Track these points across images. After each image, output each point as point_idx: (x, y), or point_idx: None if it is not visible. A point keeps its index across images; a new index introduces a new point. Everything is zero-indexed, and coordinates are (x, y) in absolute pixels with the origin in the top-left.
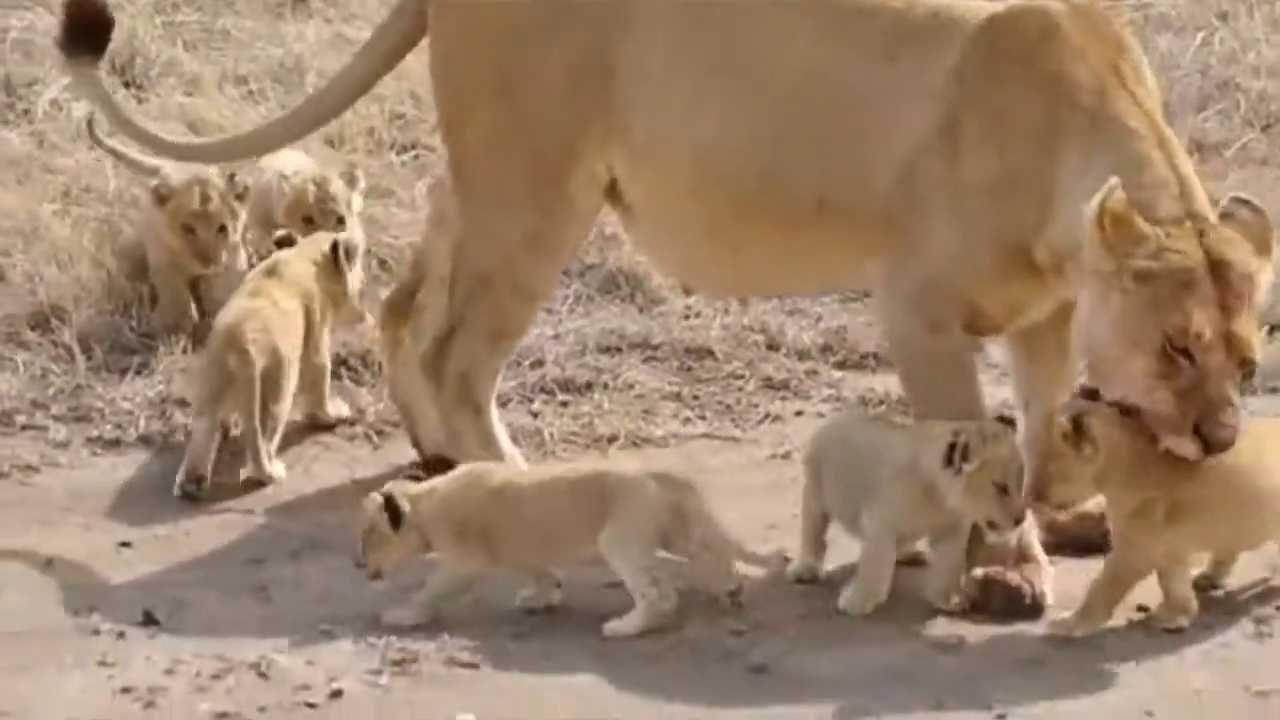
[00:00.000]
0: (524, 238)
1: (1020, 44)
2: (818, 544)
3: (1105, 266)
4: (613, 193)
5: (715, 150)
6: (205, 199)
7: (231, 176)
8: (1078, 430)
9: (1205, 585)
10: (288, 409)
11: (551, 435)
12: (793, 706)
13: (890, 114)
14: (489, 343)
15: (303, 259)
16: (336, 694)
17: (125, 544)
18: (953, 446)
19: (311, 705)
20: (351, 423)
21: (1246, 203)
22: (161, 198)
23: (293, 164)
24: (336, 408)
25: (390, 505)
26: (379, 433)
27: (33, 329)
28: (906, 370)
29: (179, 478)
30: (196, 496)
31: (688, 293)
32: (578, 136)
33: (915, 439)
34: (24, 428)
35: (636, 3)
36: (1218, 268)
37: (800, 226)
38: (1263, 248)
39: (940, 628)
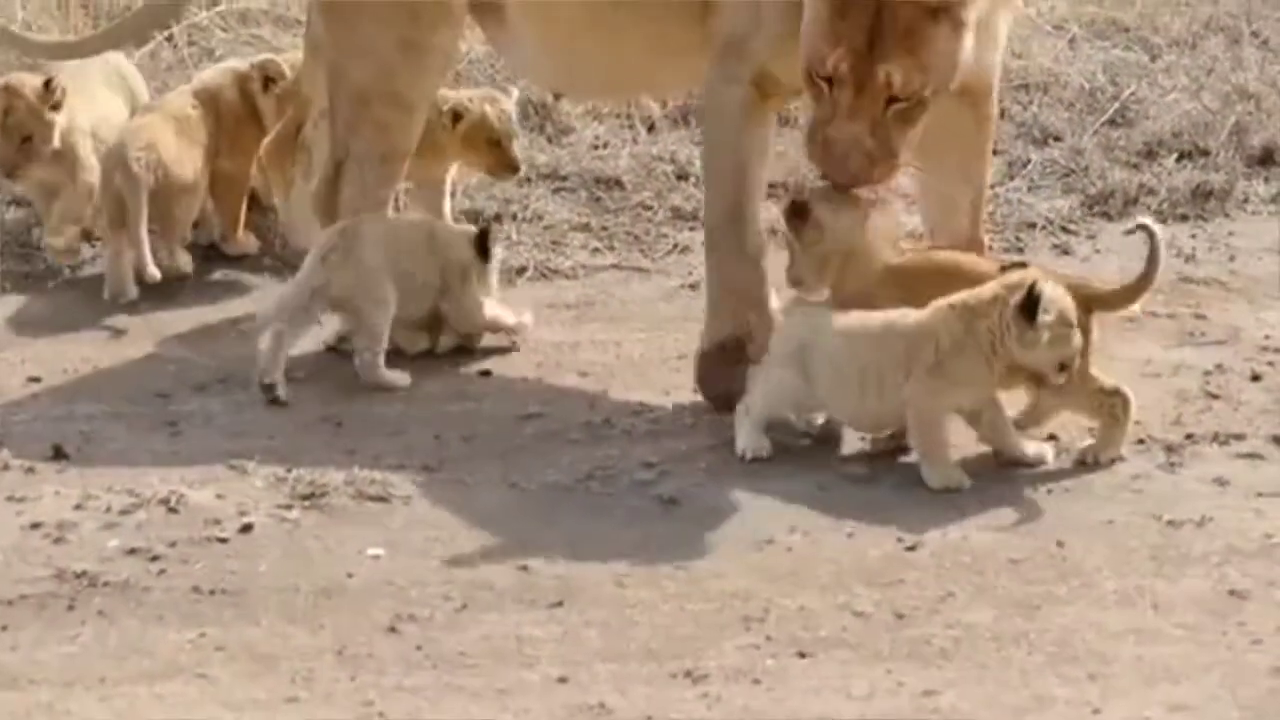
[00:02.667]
0: (396, 45)
1: None
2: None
3: None
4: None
5: None
6: (9, 110)
7: (48, 83)
8: (798, 213)
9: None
10: (189, 210)
11: None
12: (703, 536)
13: None
14: (378, 168)
15: (222, 73)
16: (246, 528)
17: (34, 379)
18: (1029, 297)
19: (222, 540)
20: (261, 255)
21: None
22: None
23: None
24: (247, 240)
25: None
26: (286, 265)
27: None
28: (701, 120)
29: (107, 292)
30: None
31: (597, 121)
32: None
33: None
34: None
35: None
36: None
37: (664, 22)
38: None
39: (851, 462)
